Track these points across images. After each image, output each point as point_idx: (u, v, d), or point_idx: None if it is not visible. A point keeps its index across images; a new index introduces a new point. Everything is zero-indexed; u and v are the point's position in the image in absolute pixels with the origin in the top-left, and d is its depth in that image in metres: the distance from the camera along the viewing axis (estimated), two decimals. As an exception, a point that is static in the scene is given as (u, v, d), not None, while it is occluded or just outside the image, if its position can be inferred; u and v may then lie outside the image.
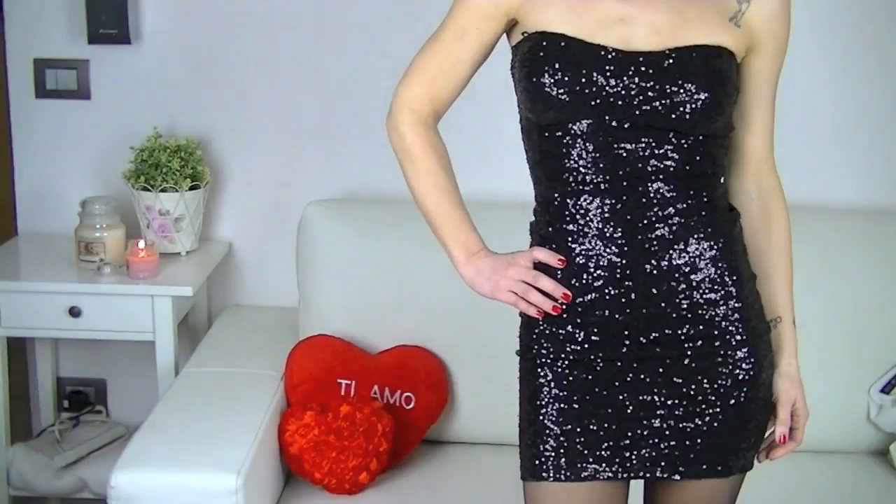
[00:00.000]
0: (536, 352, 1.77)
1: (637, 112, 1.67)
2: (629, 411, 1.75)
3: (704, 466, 1.77)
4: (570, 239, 1.73)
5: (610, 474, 1.76)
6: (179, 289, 2.74)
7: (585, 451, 1.75)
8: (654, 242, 1.70)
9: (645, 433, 1.75)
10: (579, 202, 1.71)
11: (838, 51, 2.90)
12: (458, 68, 1.79)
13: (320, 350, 2.66)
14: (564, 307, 1.73)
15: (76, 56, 2.98)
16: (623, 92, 1.66)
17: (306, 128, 2.99)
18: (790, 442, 1.84)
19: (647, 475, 1.78)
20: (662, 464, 1.76)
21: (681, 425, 1.75)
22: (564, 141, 1.70)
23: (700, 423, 1.75)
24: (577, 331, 1.74)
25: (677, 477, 1.77)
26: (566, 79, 1.66)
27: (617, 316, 1.72)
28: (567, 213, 1.72)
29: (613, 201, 1.70)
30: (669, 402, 1.74)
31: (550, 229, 1.75)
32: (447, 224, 1.80)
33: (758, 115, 1.83)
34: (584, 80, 1.66)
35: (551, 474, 1.76)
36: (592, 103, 1.67)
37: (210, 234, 3.06)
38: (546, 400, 1.76)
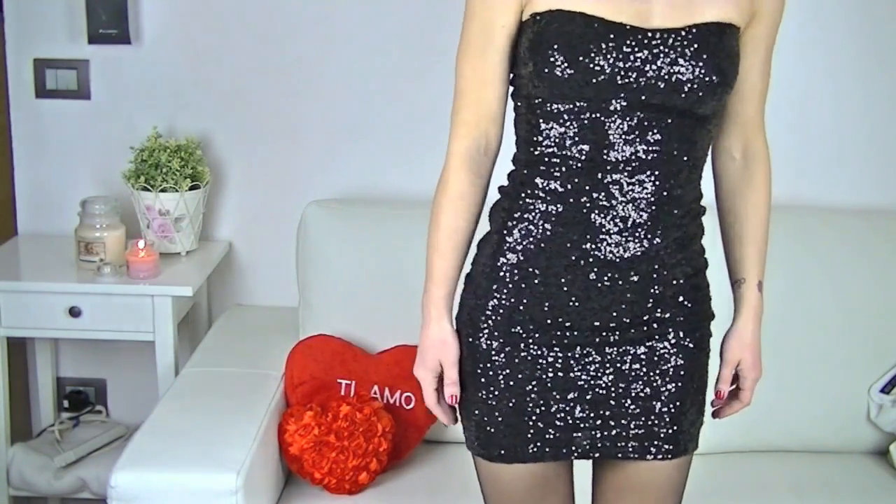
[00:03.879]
0: (490, 330, 1.77)
1: (654, 90, 1.65)
2: (580, 395, 1.77)
3: (646, 445, 1.79)
4: (530, 218, 1.73)
5: (556, 453, 1.80)
6: (179, 289, 2.74)
7: (534, 431, 1.78)
8: (616, 230, 1.69)
9: (587, 416, 1.78)
10: (559, 181, 1.70)
11: (838, 51, 2.90)
12: (496, 88, 1.75)
13: (320, 350, 2.66)
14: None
15: (76, 56, 2.98)
16: (646, 69, 1.64)
17: (306, 128, 2.99)
18: (736, 402, 1.87)
19: (593, 456, 1.82)
20: (607, 444, 1.79)
21: (624, 407, 1.78)
22: (564, 119, 1.68)
23: (640, 406, 1.78)
24: (530, 313, 1.75)
25: (621, 456, 1.80)
26: (588, 58, 1.64)
27: (571, 302, 1.73)
28: (542, 192, 1.72)
29: (594, 185, 1.69)
30: (615, 388, 1.77)
31: (515, 213, 1.74)
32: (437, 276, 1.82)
33: (751, 81, 1.79)
34: (606, 58, 1.64)
35: (501, 453, 1.80)
36: (620, 82, 1.64)
37: (210, 234, 3.06)
38: (499, 379, 1.78)
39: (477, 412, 1.81)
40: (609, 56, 1.64)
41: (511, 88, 1.78)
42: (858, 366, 2.70)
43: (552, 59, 1.65)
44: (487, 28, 1.72)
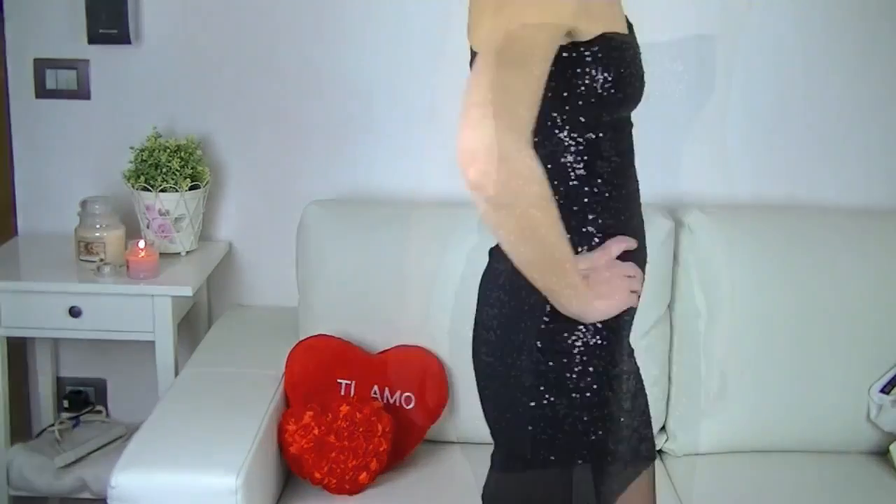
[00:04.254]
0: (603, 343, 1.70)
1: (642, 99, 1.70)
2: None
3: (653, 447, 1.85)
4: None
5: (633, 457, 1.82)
6: (179, 289, 2.73)
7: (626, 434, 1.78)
8: (640, 223, 1.75)
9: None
10: (622, 190, 1.71)
11: (837, 51, 2.90)
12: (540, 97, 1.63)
13: (320, 350, 2.66)
14: None
15: (76, 56, 2.98)
16: (645, 81, 1.70)
17: (306, 128, 2.99)
18: None
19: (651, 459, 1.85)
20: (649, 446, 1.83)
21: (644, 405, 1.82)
22: (612, 132, 1.70)
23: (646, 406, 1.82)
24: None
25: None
26: (632, 74, 1.66)
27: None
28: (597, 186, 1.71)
29: (627, 180, 1.73)
30: (637, 384, 1.79)
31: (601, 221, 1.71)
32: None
33: None
34: (640, 73, 1.68)
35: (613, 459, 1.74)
36: (641, 96, 1.69)
37: (210, 234, 3.06)
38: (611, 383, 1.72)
39: (590, 418, 1.71)
40: (640, 71, 1.68)
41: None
42: (858, 366, 2.70)
43: (603, 78, 1.62)
44: (544, 39, 1.55)
